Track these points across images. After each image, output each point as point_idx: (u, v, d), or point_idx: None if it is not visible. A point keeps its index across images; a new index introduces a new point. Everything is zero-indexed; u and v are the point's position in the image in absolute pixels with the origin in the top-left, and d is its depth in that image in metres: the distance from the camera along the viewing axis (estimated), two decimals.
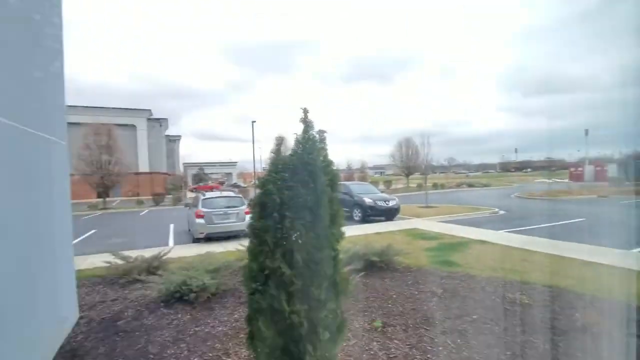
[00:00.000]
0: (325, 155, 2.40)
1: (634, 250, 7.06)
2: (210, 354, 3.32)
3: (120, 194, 35.59)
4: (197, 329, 3.89)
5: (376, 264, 5.82)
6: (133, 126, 40.40)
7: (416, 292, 4.85)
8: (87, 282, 5.76)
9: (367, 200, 13.57)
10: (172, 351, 3.41)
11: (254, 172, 35.25)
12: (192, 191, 34.26)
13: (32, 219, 2.84)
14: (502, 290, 4.79)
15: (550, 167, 57.74)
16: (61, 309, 3.49)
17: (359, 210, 13.68)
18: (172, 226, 13.61)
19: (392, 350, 3.29)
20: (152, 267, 5.77)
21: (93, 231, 13.29)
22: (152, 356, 3.34)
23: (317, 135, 2.42)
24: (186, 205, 14.17)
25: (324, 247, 2.23)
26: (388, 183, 37.33)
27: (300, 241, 2.18)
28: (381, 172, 72.87)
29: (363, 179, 37.60)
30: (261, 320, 2.10)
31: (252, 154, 38.92)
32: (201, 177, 55.86)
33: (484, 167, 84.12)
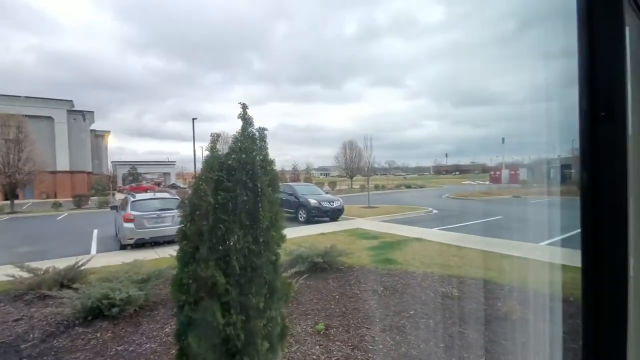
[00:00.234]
0: (266, 155, 2.27)
1: (542, 244, 8.10)
2: None
3: (33, 196, 31.11)
4: (119, 348, 3.46)
5: (320, 265, 5.83)
6: (50, 118, 35.48)
7: (358, 292, 4.94)
8: None
9: (312, 201, 13.67)
10: None
11: (195, 172, 33.30)
12: (122, 192, 31.10)
13: None
14: (436, 285, 5.14)
15: (474, 170, 64.55)
16: None
17: (304, 211, 13.72)
18: (95, 232, 12.17)
19: (334, 352, 3.27)
20: (67, 280, 5.06)
21: None
22: None
23: (257, 133, 2.28)
24: (113, 207, 12.75)
25: (263, 252, 2.10)
26: (333, 184, 38.16)
27: (237, 246, 2.02)
28: (326, 174, 74.23)
29: (308, 180, 37.94)
30: (191, 336, 1.90)
31: (193, 153, 36.73)
32: (135, 177, 51.10)
33: (419, 170, 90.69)
